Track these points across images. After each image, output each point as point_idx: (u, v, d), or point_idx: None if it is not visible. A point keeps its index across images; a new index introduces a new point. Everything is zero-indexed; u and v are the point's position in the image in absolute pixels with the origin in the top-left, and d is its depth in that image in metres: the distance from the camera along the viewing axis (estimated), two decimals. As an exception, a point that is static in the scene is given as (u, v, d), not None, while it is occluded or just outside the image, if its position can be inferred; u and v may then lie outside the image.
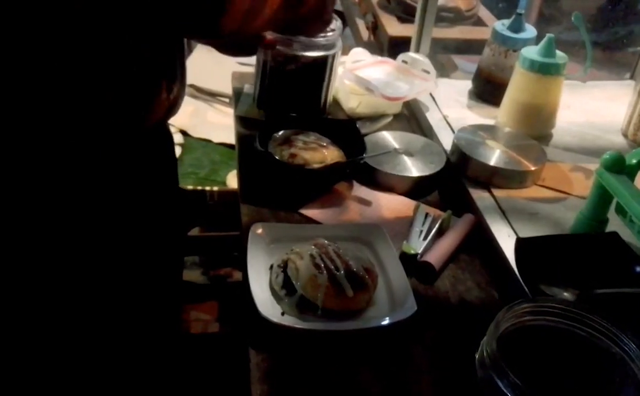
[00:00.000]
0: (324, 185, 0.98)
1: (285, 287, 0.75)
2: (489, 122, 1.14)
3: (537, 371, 0.63)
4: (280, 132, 1.02)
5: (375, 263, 0.81)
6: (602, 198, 0.82)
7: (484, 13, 1.77)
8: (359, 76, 1.15)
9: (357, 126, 1.06)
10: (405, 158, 1.02)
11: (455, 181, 1.00)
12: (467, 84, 1.28)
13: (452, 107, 1.21)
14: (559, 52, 1.07)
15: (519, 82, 1.09)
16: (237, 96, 1.21)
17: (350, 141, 1.02)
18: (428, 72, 1.22)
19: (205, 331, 1.56)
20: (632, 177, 0.80)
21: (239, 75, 1.29)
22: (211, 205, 1.53)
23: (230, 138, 1.44)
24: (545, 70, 1.05)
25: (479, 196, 0.96)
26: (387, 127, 1.14)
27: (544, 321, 0.67)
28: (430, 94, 1.23)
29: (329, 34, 1.03)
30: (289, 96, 1.09)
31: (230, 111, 1.58)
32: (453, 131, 1.11)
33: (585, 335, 0.66)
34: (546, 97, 1.09)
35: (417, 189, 0.99)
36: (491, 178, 0.98)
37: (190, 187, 1.52)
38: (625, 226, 0.80)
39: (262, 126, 1.01)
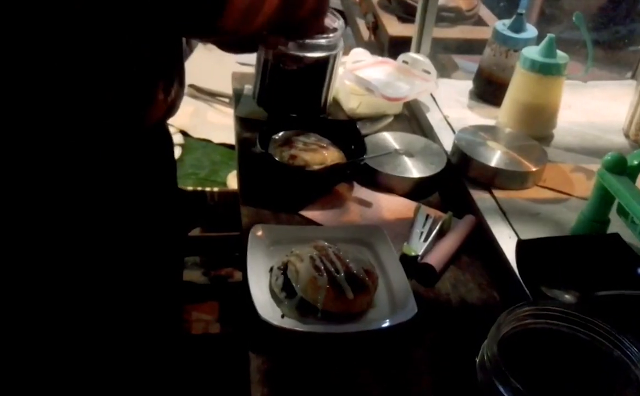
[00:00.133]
0: (324, 186, 0.98)
1: (285, 289, 0.75)
2: (490, 122, 1.14)
3: (538, 375, 0.63)
4: (281, 134, 1.02)
5: (376, 264, 0.81)
6: (604, 199, 0.82)
7: (484, 13, 1.76)
8: (359, 76, 1.15)
9: (358, 126, 1.06)
10: (406, 159, 1.02)
11: (456, 182, 1.00)
12: (468, 84, 1.27)
13: (452, 108, 1.20)
14: (559, 52, 1.07)
15: (519, 82, 1.09)
16: (237, 97, 1.21)
17: (351, 141, 1.02)
18: (429, 73, 1.21)
19: (206, 332, 1.56)
20: (633, 178, 0.80)
21: (239, 76, 1.29)
22: (211, 206, 1.53)
23: (231, 138, 1.44)
24: (546, 70, 1.05)
25: (480, 197, 0.95)
26: (387, 128, 1.14)
27: (545, 324, 0.67)
28: (431, 95, 1.23)
29: (331, 34, 1.02)
30: (289, 96, 1.09)
31: (230, 111, 1.58)
32: (454, 132, 1.11)
33: (586, 339, 0.66)
34: (547, 97, 1.09)
35: (417, 190, 0.99)
36: (492, 179, 0.98)
37: (190, 187, 1.52)
38: (627, 228, 0.80)
39: (262, 128, 1.01)
